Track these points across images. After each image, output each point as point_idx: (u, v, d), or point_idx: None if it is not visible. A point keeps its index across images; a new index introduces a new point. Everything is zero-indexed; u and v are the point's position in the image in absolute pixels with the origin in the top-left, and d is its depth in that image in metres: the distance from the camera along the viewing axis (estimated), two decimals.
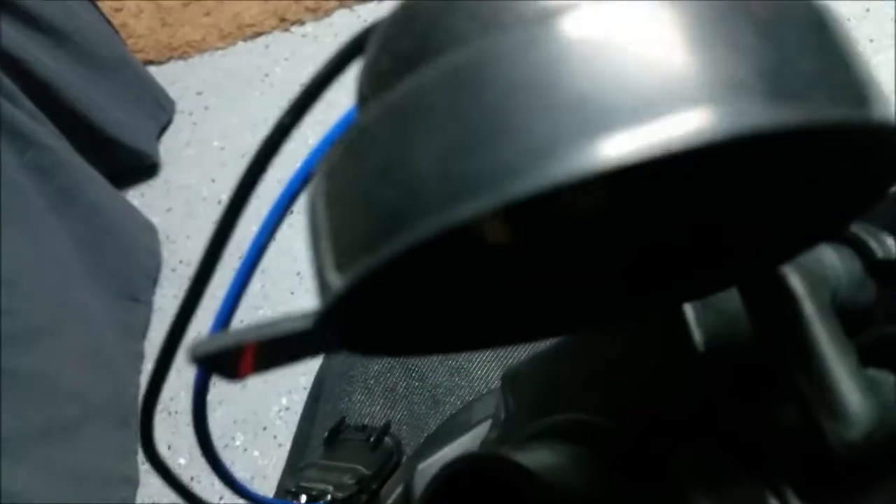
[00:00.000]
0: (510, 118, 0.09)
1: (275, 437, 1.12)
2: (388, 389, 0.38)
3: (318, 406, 0.42)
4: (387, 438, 0.35)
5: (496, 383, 0.34)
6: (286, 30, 1.49)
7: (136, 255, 1.26)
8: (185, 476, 1.11)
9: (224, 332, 0.14)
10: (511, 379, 0.21)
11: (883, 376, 0.13)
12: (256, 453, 1.12)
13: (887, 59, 1.06)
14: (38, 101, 1.15)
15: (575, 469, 0.14)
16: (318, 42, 1.45)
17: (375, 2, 1.46)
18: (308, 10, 1.48)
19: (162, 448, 1.10)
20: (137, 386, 1.21)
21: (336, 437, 0.37)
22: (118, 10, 1.60)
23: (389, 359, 0.38)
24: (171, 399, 1.19)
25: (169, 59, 1.53)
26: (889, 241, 0.15)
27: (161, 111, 1.43)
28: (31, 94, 1.15)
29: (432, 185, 0.09)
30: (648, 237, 0.14)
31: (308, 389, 1.12)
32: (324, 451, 0.37)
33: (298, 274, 1.23)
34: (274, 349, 0.14)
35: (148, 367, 1.22)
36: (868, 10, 1.15)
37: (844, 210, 0.13)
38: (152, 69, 1.46)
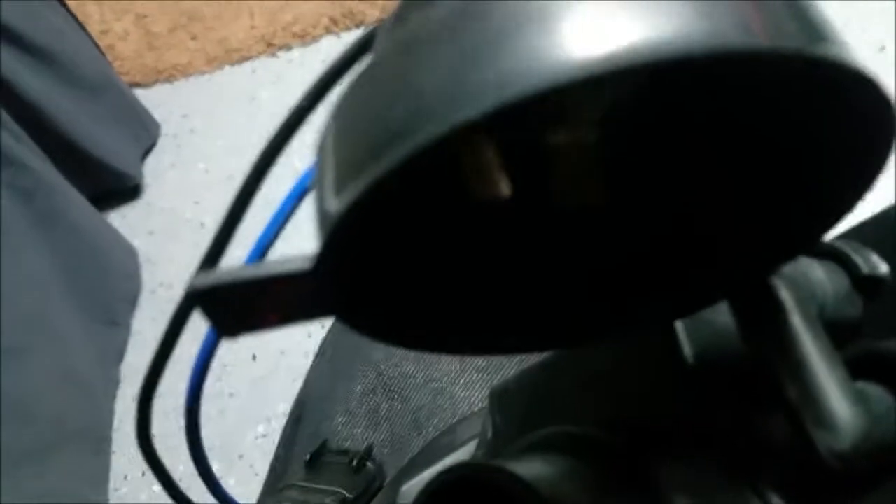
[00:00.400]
0: (504, 40, 0.10)
1: (251, 465, 1.10)
2: (371, 411, 0.38)
3: (299, 429, 0.41)
4: (369, 462, 0.34)
5: (479, 405, 0.34)
6: (273, 55, 1.50)
7: (116, 279, 1.24)
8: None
9: (220, 269, 0.14)
10: (499, 395, 0.21)
11: (870, 389, 0.13)
12: (232, 481, 1.10)
13: None
14: (23, 122, 1.15)
15: (568, 480, 0.14)
16: (305, 67, 1.46)
17: (362, 29, 1.47)
18: (295, 35, 1.49)
19: (135, 474, 1.08)
20: (112, 411, 1.19)
21: (318, 459, 0.36)
22: (105, 32, 1.60)
23: (374, 378, 0.38)
24: None
25: (155, 82, 1.53)
26: (873, 257, 0.16)
27: (146, 133, 1.42)
28: (16, 114, 1.14)
29: (434, 99, 0.11)
30: (640, 236, 0.14)
31: (285, 414, 1.11)
32: (305, 473, 0.37)
33: None
34: (269, 296, 0.14)
35: (127, 391, 1.21)
36: None
37: (829, 209, 0.13)
38: (138, 92, 1.46)
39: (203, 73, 1.51)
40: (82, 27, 1.35)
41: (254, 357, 1.18)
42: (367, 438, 0.37)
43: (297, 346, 1.17)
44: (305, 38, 1.49)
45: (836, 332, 0.14)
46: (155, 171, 1.41)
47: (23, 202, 1.10)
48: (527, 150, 0.13)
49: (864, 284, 0.15)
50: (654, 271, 0.15)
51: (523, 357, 0.36)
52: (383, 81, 0.12)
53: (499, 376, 0.35)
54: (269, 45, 1.50)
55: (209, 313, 0.14)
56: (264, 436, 1.12)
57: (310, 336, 1.18)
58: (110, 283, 1.23)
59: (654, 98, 0.13)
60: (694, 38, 0.10)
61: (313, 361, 0.50)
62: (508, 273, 0.15)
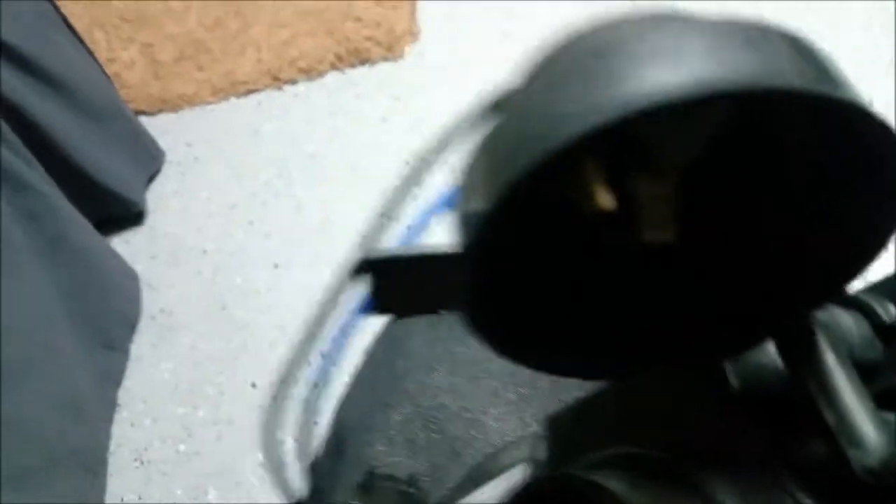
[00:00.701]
0: (629, 69, 0.14)
1: (248, 492, 1.11)
2: (409, 441, 0.40)
3: (340, 458, 0.43)
4: (414, 488, 0.36)
5: (511, 436, 0.37)
6: (279, 88, 1.53)
7: (117, 303, 1.26)
8: None
9: (380, 248, 0.17)
10: (552, 423, 0.24)
11: (892, 417, 0.16)
12: None
13: None
14: (31, 146, 1.17)
15: (637, 491, 0.17)
16: (310, 102, 1.50)
17: (367, 66, 1.52)
18: (301, 70, 1.53)
19: (130, 497, 1.08)
20: (109, 435, 1.20)
21: (369, 484, 0.38)
22: (112, 60, 1.63)
23: (411, 408, 0.40)
24: (146, 449, 1.18)
25: (160, 111, 1.56)
26: (891, 308, 0.19)
27: (150, 160, 1.45)
28: (25, 138, 1.16)
29: (568, 113, 0.14)
30: (702, 274, 0.17)
31: (284, 441, 1.12)
32: (359, 498, 0.38)
33: (279, 327, 1.24)
34: (423, 278, 0.17)
35: (123, 414, 1.21)
36: None
37: (860, 254, 0.16)
38: (143, 119, 1.48)
39: (208, 103, 1.55)
40: (93, 56, 1.38)
41: (253, 385, 1.20)
42: (407, 466, 0.38)
43: (297, 374, 1.19)
44: (311, 73, 1.53)
45: (861, 369, 0.17)
46: (158, 197, 1.43)
47: (29, 225, 1.11)
48: (622, 181, 0.16)
49: (885, 332, 0.18)
50: (709, 310, 0.17)
51: (552, 391, 0.39)
52: (522, 110, 0.15)
53: (528, 409, 0.37)
54: (276, 78, 1.53)
55: (374, 283, 0.17)
56: (263, 464, 1.12)
57: (310, 365, 1.19)
58: (111, 308, 1.24)
59: (717, 142, 0.16)
60: (787, 77, 0.13)
61: (347, 392, 0.52)
62: (596, 302, 0.18)
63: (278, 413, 0.24)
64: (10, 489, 1.00)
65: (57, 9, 1.31)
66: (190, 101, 1.55)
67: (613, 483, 0.17)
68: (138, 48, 1.66)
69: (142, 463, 1.17)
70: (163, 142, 1.49)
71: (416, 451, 0.39)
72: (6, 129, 1.09)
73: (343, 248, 1.27)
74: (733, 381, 0.18)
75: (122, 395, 1.23)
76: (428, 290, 0.17)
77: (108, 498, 1.15)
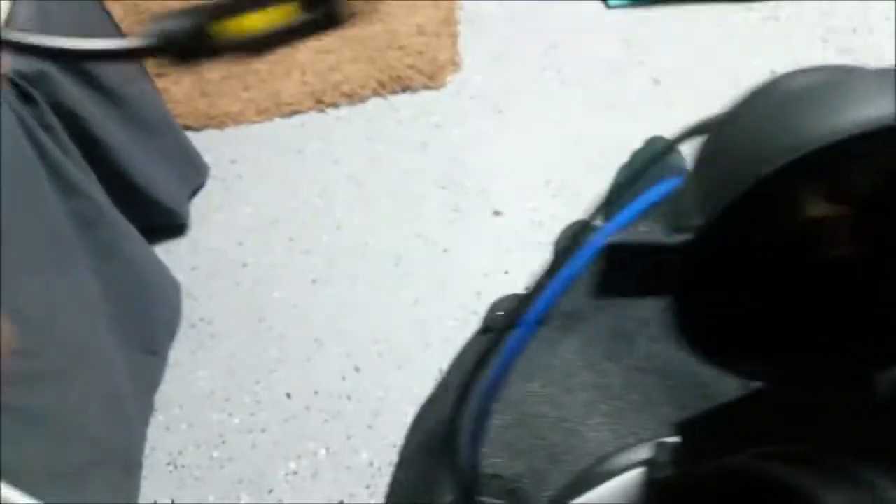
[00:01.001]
0: (834, 105, 0.18)
1: (280, 500, 1.14)
2: (510, 444, 0.42)
3: (436, 456, 0.45)
4: (519, 485, 0.39)
5: (609, 446, 0.39)
6: (322, 111, 1.58)
7: (159, 310, 1.29)
8: None
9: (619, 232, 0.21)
10: (687, 427, 0.27)
11: None
12: None
13: None
14: (86, 154, 1.21)
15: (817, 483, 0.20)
16: (352, 125, 1.55)
17: (408, 94, 1.57)
18: (344, 94, 1.58)
19: (163, 500, 1.12)
20: (144, 437, 1.23)
21: (475, 481, 0.40)
22: (160, 75, 1.68)
23: (512, 415, 0.43)
24: (180, 453, 1.20)
25: (206, 127, 1.61)
26: None
27: (195, 174, 1.49)
28: (83, 148, 1.21)
29: (778, 142, 0.18)
30: (866, 290, 0.21)
31: (316, 453, 1.14)
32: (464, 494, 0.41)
33: (316, 340, 1.28)
34: (647, 265, 0.20)
35: (159, 418, 1.24)
36: None
37: None
38: (189, 134, 1.53)
39: (253, 122, 1.60)
40: (147, 73, 1.43)
41: (288, 395, 1.23)
42: (507, 468, 0.41)
43: (331, 387, 1.22)
44: (353, 97, 1.58)
45: None
46: (201, 211, 1.48)
47: (84, 230, 1.15)
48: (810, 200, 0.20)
49: None
50: (875, 323, 0.21)
51: (642, 405, 0.42)
52: (744, 134, 0.19)
53: (621, 422, 0.40)
54: (319, 101, 1.58)
55: (608, 264, 0.20)
56: (295, 473, 1.15)
57: (344, 379, 1.23)
58: (153, 314, 1.28)
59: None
60: None
61: (438, 392, 0.55)
62: (779, 310, 0.22)
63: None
64: (49, 484, 1.03)
65: (115, 23, 1.36)
66: (235, 119, 1.60)
67: (794, 474, 0.20)
68: None
69: (175, 467, 1.19)
70: (207, 157, 1.54)
71: (516, 454, 0.41)
72: (64, 136, 1.14)
73: (379, 269, 1.31)
74: (883, 390, 0.21)
75: (159, 399, 1.26)
76: (647, 277, 0.20)
77: (141, 499, 1.17)
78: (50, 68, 1.14)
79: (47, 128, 1.10)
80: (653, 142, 1.21)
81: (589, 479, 0.33)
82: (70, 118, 1.19)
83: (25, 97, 1.06)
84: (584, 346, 0.46)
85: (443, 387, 0.57)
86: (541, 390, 0.43)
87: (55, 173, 1.09)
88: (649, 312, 0.42)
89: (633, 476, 0.31)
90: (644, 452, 0.31)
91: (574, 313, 0.50)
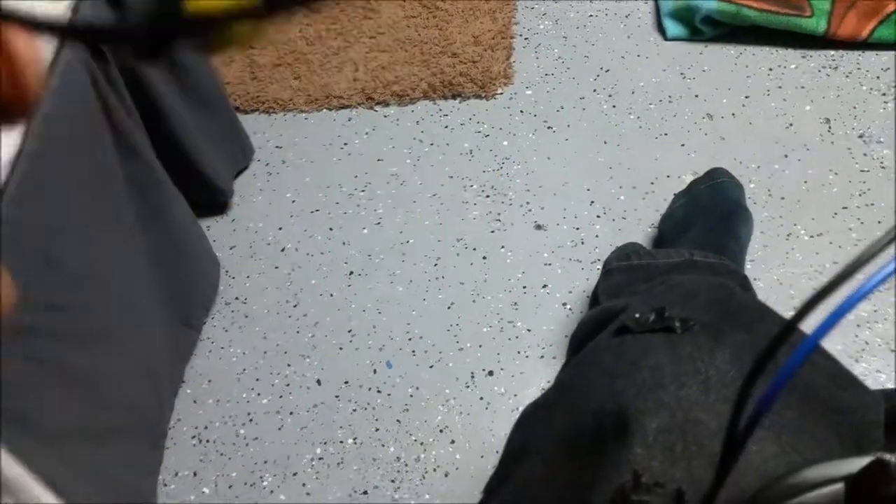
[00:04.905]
0: None
1: (304, 484, 1.14)
2: (667, 448, 0.42)
3: (606, 453, 0.45)
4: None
5: (771, 462, 0.40)
6: (370, 108, 1.60)
7: (199, 283, 1.30)
8: None
9: None
10: None
11: None
12: (283, 497, 1.13)
13: None
14: (146, 121, 1.22)
15: None
16: (399, 125, 1.56)
17: (458, 100, 1.59)
18: (394, 94, 1.59)
19: (186, 475, 1.14)
20: (172, 408, 1.23)
21: (636, 487, 0.40)
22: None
23: (668, 418, 0.43)
24: (206, 427, 1.20)
25: (254, 111, 1.62)
26: None
27: (241, 155, 1.50)
28: (142, 112, 1.22)
29: None
30: None
31: (343, 442, 1.14)
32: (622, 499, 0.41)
33: (349, 331, 1.28)
34: None
35: (187, 391, 1.24)
36: None
37: None
38: (238, 116, 1.54)
39: (302, 111, 1.61)
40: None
41: (318, 382, 1.23)
42: (664, 472, 0.41)
43: (361, 378, 1.23)
44: (403, 98, 1.59)
45: None
46: (244, 192, 1.49)
47: (138, 194, 1.16)
48: None
49: None
50: None
51: (800, 419, 0.43)
52: None
53: (783, 436, 0.41)
54: (369, 98, 1.60)
55: None
56: (321, 458, 1.15)
57: (375, 372, 1.23)
58: (193, 286, 1.29)
59: None
60: None
61: (568, 389, 0.55)
62: None
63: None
64: (80, 444, 1.03)
65: None
66: (284, 106, 1.61)
67: None
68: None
69: (200, 441, 1.19)
70: (254, 140, 1.55)
71: (674, 459, 0.41)
72: (129, 98, 1.15)
73: (417, 268, 1.33)
74: None
75: (189, 372, 1.26)
76: None
77: (163, 470, 1.17)
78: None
79: (114, 86, 1.11)
80: (713, 172, 1.23)
81: (783, 491, 0.33)
82: (134, 81, 1.20)
83: (97, 52, 1.07)
84: (736, 358, 0.46)
85: (569, 386, 0.57)
86: (696, 397, 0.44)
87: (117, 132, 1.10)
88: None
89: (829, 493, 0.31)
90: (847, 467, 0.31)
91: (719, 323, 0.51)
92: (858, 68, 1.51)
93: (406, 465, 1.14)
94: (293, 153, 1.55)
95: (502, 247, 1.36)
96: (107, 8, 1.12)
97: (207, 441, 1.19)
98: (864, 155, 1.39)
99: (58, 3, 0.98)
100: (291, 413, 1.20)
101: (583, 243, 1.34)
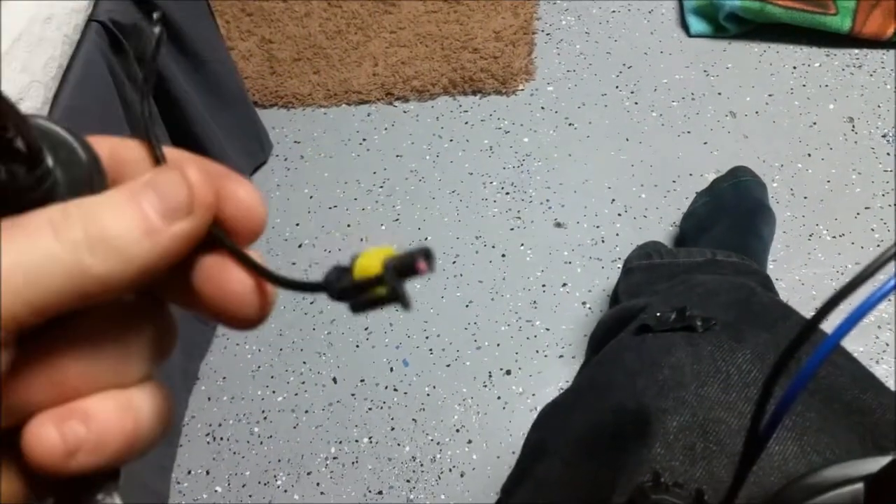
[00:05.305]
0: None
1: (318, 483, 1.13)
2: (687, 448, 0.41)
3: (625, 454, 0.44)
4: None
5: (791, 463, 0.38)
6: (390, 104, 1.58)
7: None
8: None
9: None
10: None
11: None
12: (296, 497, 1.12)
13: None
14: (163, 114, 1.22)
15: None
16: (419, 121, 1.55)
17: (478, 96, 1.57)
18: (414, 90, 1.58)
19: (199, 473, 1.13)
20: (186, 404, 1.22)
21: (656, 488, 0.39)
22: (230, 49, 1.69)
23: (689, 417, 0.42)
24: (220, 425, 1.20)
25: (273, 105, 1.61)
26: None
27: (259, 150, 1.50)
28: (160, 106, 1.21)
29: None
30: None
31: (359, 441, 1.13)
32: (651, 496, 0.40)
33: (366, 329, 1.27)
34: None
35: (201, 388, 1.24)
36: None
37: None
38: (256, 110, 1.53)
39: (321, 106, 1.60)
40: (222, 39, 1.43)
41: (334, 380, 1.22)
42: (684, 472, 0.40)
43: (378, 377, 1.21)
44: (423, 94, 1.58)
45: None
46: (261, 187, 1.48)
47: None
48: None
49: None
50: None
51: (821, 422, 0.41)
52: None
53: (805, 437, 0.39)
54: (388, 93, 1.58)
55: None
56: (335, 458, 1.14)
57: (391, 370, 1.22)
58: None
59: None
60: None
61: (583, 391, 0.54)
62: None
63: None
64: None
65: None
66: (303, 101, 1.60)
67: None
68: (257, 41, 1.72)
69: (214, 438, 1.19)
70: (272, 135, 1.54)
71: (694, 459, 0.40)
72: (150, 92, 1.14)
73: (436, 266, 1.30)
74: None
75: (204, 368, 1.26)
76: None
77: (176, 468, 1.17)
78: (143, 23, 1.14)
79: (132, 80, 1.10)
80: (736, 171, 1.20)
81: (800, 490, 0.32)
82: (153, 75, 1.20)
83: (116, 46, 1.06)
84: (757, 358, 0.45)
85: (589, 385, 0.56)
86: (717, 396, 0.42)
87: (135, 126, 1.09)
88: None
89: (848, 492, 0.30)
90: (867, 467, 0.30)
91: (739, 322, 0.50)
92: (882, 67, 1.48)
93: (422, 464, 1.13)
94: (311, 149, 1.54)
95: (522, 244, 1.34)
96: (133, 7, 1.12)
97: (221, 439, 1.18)
98: (888, 155, 1.36)
99: (79, 1, 0.97)
100: (306, 411, 1.19)
101: (603, 241, 1.32)
